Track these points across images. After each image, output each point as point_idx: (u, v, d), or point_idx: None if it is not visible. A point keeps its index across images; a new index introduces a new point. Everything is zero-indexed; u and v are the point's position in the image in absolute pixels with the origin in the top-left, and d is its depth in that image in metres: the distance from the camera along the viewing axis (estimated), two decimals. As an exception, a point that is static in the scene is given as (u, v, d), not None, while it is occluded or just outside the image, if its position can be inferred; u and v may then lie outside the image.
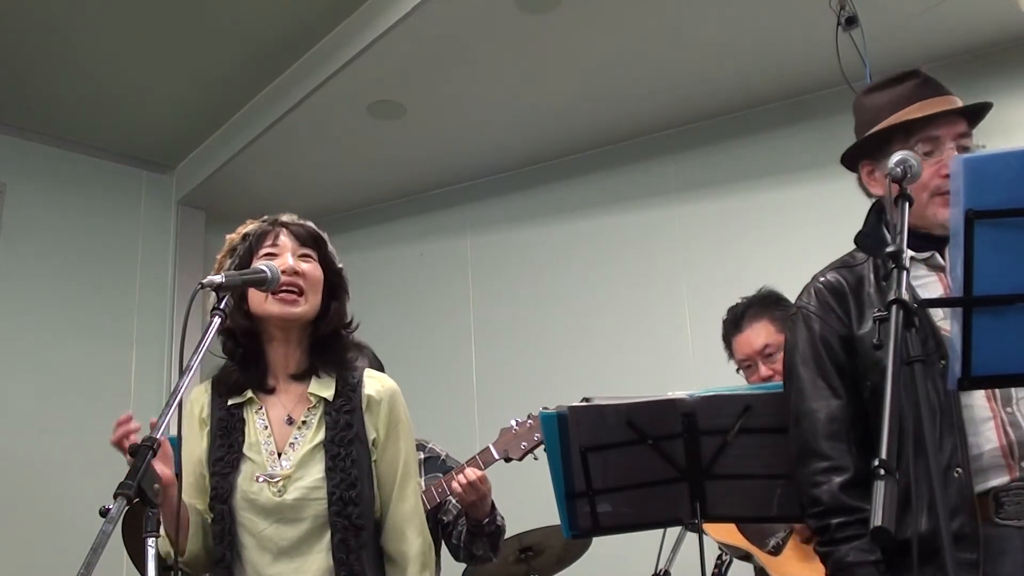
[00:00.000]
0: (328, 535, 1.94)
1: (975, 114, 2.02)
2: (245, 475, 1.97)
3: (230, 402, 2.05)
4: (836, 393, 1.93)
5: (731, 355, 2.91)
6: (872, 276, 1.98)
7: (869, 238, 2.03)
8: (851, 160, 2.13)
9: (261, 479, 1.96)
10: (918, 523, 1.71)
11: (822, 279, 2.03)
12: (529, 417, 2.81)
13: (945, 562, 1.49)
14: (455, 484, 2.74)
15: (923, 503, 1.73)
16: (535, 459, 2.76)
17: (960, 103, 2.02)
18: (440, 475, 2.93)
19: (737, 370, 2.89)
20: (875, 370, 1.86)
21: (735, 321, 2.87)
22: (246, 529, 1.96)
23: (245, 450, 2.00)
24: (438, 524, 2.98)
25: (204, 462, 2.04)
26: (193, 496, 2.04)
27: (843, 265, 2.05)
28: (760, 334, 2.80)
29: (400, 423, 2.09)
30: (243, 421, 2.03)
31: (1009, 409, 1.80)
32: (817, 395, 1.93)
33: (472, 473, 2.72)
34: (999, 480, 1.78)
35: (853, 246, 2.09)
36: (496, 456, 2.78)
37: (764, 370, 2.78)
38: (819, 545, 1.91)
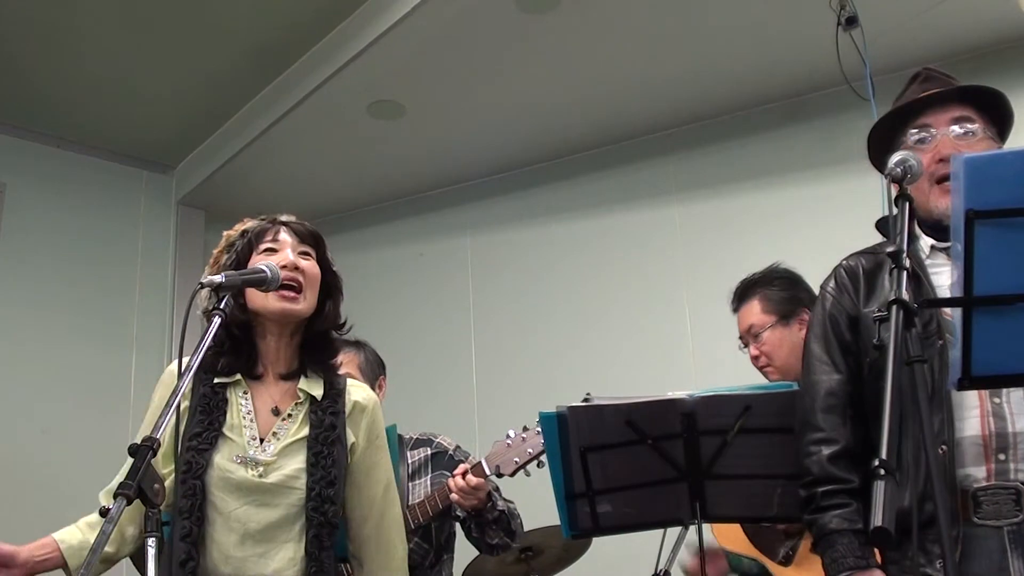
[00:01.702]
0: (298, 526, 1.95)
1: (980, 98, 2.01)
2: (223, 454, 1.96)
3: (216, 380, 2.03)
4: (837, 368, 1.98)
5: None
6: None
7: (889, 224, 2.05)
8: (880, 164, 2.14)
9: (241, 460, 1.96)
10: (901, 499, 1.72)
11: (843, 263, 2.09)
12: (524, 430, 2.76)
13: (920, 541, 1.63)
14: (450, 484, 2.73)
15: (907, 480, 1.75)
16: (527, 475, 2.74)
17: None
18: (448, 473, 2.92)
19: (741, 347, 2.95)
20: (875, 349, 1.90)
21: (738, 296, 2.96)
22: (215, 508, 1.94)
23: (225, 430, 1.98)
24: (454, 522, 2.99)
25: (169, 436, 1.96)
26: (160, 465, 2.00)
27: (870, 251, 2.09)
28: (747, 315, 2.89)
29: (381, 434, 2.16)
30: (226, 401, 2.02)
31: (996, 400, 1.81)
32: (821, 369, 2.00)
33: (472, 479, 2.71)
34: (975, 469, 1.79)
35: (852, 246, 2.12)
36: (488, 471, 2.74)
37: (752, 350, 2.88)
38: (807, 513, 1.94)
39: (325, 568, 1.94)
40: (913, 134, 1.99)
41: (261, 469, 1.95)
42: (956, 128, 1.97)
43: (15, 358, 4.54)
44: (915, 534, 1.71)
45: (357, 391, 2.15)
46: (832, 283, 2.07)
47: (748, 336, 2.87)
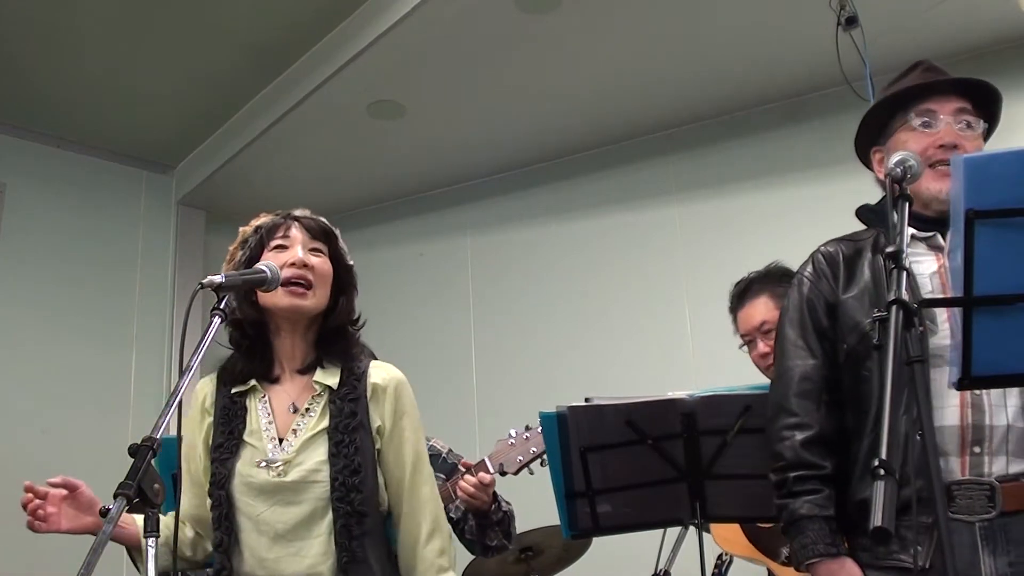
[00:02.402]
0: (327, 520, 1.93)
1: (980, 96, 2.03)
2: (244, 460, 1.98)
3: (233, 390, 2.05)
4: (813, 353, 1.97)
5: (736, 328, 2.93)
6: (870, 250, 1.99)
7: (872, 212, 2.06)
8: (864, 151, 2.13)
9: (262, 464, 1.97)
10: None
11: (822, 249, 2.08)
12: (527, 429, 2.76)
13: (899, 526, 1.56)
14: (463, 486, 2.72)
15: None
16: (531, 474, 2.74)
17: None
18: (441, 474, 2.92)
19: (740, 346, 2.91)
20: (852, 333, 1.91)
21: (739, 295, 2.91)
22: (244, 513, 1.96)
23: (245, 436, 2.00)
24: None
25: (204, 450, 2.05)
26: (191, 486, 2.05)
27: (848, 238, 2.08)
28: (759, 310, 2.83)
29: (406, 413, 2.08)
30: (245, 409, 2.03)
31: (977, 392, 1.80)
32: (796, 354, 1.98)
33: (484, 476, 2.71)
34: (951, 460, 1.78)
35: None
36: (491, 469, 2.74)
37: (762, 346, 2.80)
38: (777, 498, 1.92)
39: (358, 557, 1.91)
40: (916, 117, 2.00)
41: (280, 468, 1.96)
42: (959, 118, 1.98)
43: (15, 358, 4.54)
44: (939, 498, 1.67)
45: (377, 372, 2.09)
46: (810, 268, 2.05)
47: (757, 333, 2.81)
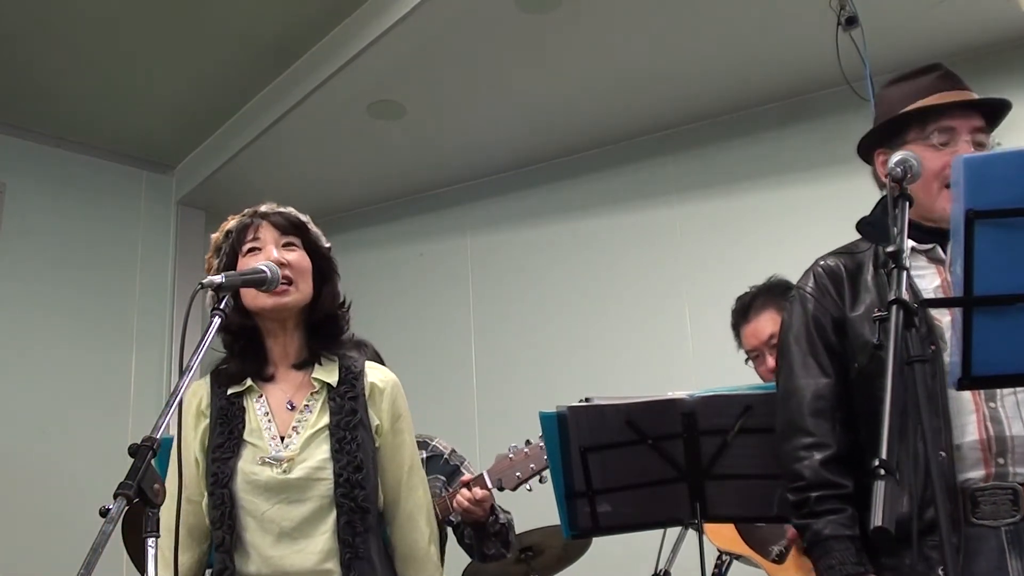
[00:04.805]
0: (331, 517, 1.95)
1: (992, 111, 2.02)
2: (246, 459, 1.98)
3: (230, 391, 2.05)
4: (824, 372, 1.94)
5: (740, 344, 2.91)
6: (871, 264, 1.98)
7: (870, 226, 2.05)
8: (867, 150, 2.11)
9: (265, 461, 1.97)
10: (899, 504, 1.67)
11: (822, 263, 2.05)
12: (527, 444, 2.74)
13: (920, 547, 1.65)
14: (459, 500, 2.71)
15: (905, 485, 1.72)
16: (529, 490, 2.73)
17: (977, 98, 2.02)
18: (442, 476, 2.91)
19: (746, 360, 2.90)
20: (863, 352, 1.89)
21: (743, 311, 2.88)
22: (247, 512, 1.96)
23: (246, 436, 2.00)
24: (446, 527, 2.97)
25: (200, 453, 2.04)
26: (191, 489, 2.04)
27: (845, 251, 2.06)
28: (767, 324, 2.79)
29: (402, 416, 2.13)
30: (243, 409, 2.03)
31: (992, 404, 1.80)
32: (806, 373, 1.95)
33: (479, 491, 2.70)
34: (975, 473, 1.78)
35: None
36: (490, 485, 2.72)
37: (771, 361, 2.76)
38: (797, 518, 1.90)
39: (361, 554, 1.93)
40: (937, 135, 1.96)
41: (285, 466, 1.96)
42: (975, 137, 1.97)
43: (15, 357, 4.54)
44: (915, 540, 1.70)
45: (374, 373, 2.12)
46: (811, 283, 2.03)
47: (765, 347, 2.77)
